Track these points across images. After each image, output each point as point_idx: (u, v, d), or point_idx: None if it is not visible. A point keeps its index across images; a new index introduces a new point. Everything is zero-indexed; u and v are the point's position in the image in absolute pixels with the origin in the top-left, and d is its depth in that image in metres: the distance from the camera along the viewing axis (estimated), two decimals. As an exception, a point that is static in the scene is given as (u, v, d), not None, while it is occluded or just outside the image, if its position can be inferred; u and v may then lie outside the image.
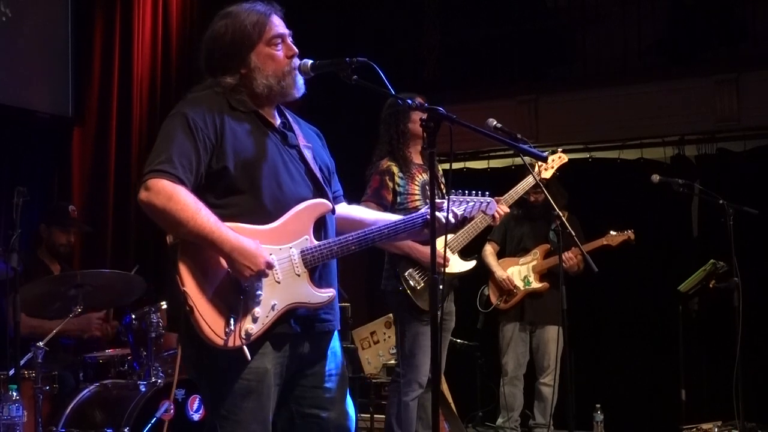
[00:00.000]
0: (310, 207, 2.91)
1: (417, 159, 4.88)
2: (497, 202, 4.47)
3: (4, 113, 6.25)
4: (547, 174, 4.91)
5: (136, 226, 6.93)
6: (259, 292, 2.75)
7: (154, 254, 6.85)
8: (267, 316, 2.77)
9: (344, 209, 3.13)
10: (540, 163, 4.70)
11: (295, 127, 3.05)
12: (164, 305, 4.98)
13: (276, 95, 2.93)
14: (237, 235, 2.70)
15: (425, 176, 4.84)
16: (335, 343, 3.02)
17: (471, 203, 3.25)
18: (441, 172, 4.84)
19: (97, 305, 5.33)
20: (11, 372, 4.45)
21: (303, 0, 3.13)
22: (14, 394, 4.25)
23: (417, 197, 4.74)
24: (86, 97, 6.83)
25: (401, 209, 4.60)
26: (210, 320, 2.68)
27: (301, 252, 2.85)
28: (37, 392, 4.53)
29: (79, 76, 6.81)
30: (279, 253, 2.80)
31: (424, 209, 3.09)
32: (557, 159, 4.99)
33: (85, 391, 4.83)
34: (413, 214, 3.08)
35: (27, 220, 4.54)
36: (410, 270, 4.74)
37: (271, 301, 2.78)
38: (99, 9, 6.91)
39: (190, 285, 2.69)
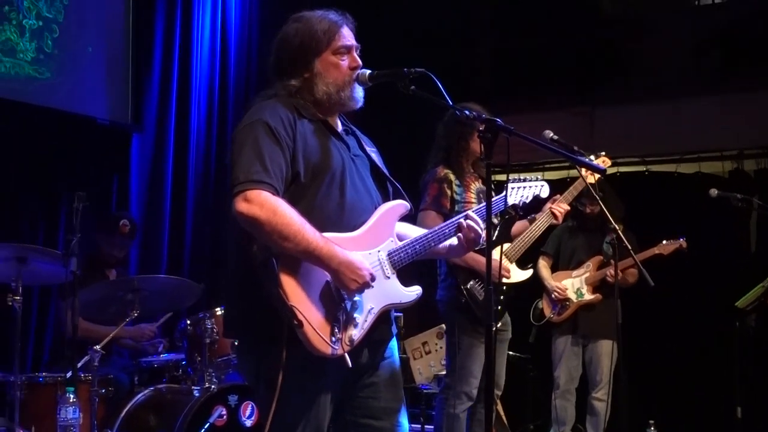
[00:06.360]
0: (392, 209, 2.96)
1: (468, 168, 4.89)
2: (554, 201, 4.50)
3: (64, 120, 6.34)
4: (591, 179, 4.73)
5: (193, 232, 7.01)
6: (357, 298, 2.80)
7: (210, 260, 6.91)
8: (366, 321, 2.82)
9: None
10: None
11: (359, 135, 3.09)
12: (219, 311, 5.03)
13: (334, 104, 2.95)
14: (342, 249, 2.71)
15: (478, 184, 4.84)
16: (393, 352, 3.03)
17: (526, 188, 3.30)
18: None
19: (152, 310, 5.39)
20: (69, 374, 4.52)
21: (352, 8, 3.11)
22: (71, 396, 4.31)
23: (474, 205, 4.72)
24: (145, 105, 6.91)
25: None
26: (320, 331, 2.69)
27: (388, 254, 2.90)
28: (92, 395, 4.62)
29: (139, 84, 6.88)
30: (369, 258, 2.83)
31: (474, 208, 3.16)
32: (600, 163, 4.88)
33: (140, 395, 4.91)
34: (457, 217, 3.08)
35: (86, 225, 4.60)
36: (472, 282, 4.75)
37: (368, 306, 2.83)
38: (159, 17, 7.00)
39: (295, 299, 2.68)
